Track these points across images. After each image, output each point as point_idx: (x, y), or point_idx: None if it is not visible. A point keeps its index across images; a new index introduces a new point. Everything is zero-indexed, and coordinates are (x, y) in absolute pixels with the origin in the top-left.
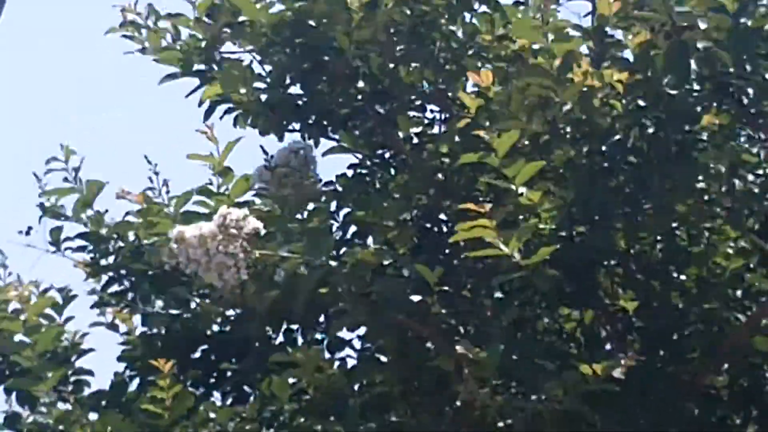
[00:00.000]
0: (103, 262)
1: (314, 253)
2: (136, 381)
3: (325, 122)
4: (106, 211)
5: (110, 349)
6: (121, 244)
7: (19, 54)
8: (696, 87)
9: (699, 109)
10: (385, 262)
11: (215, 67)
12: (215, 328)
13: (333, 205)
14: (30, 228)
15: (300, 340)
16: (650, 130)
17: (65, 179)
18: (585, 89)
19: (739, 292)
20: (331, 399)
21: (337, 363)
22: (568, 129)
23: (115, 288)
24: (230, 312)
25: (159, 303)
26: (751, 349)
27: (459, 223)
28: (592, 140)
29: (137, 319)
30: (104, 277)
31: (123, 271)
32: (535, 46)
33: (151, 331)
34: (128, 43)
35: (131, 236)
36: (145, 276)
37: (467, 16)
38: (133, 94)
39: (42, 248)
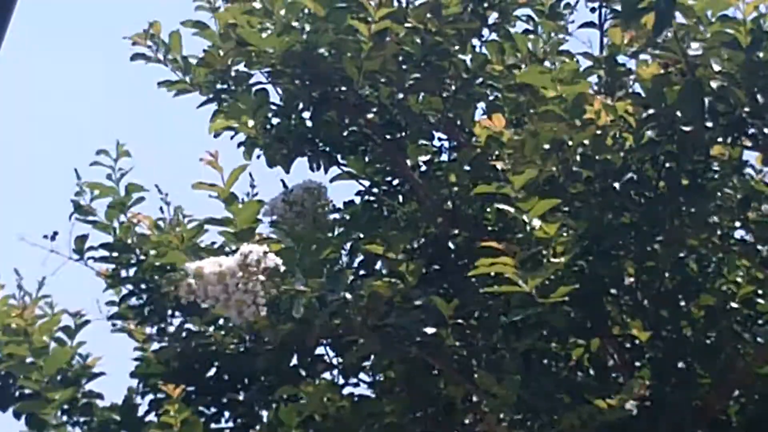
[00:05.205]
0: (123, 273)
1: (332, 287)
2: (149, 397)
3: (334, 152)
4: (138, 222)
5: (121, 371)
6: (142, 257)
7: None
8: (709, 124)
9: (711, 143)
10: (397, 296)
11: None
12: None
13: (340, 232)
14: (56, 233)
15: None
16: (662, 163)
17: (108, 176)
18: (599, 132)
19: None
20: (339, 429)
21: (346, 392)
22: (582, 169)
23: (133, 301)
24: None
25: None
26: (760, 377)
27: (475, 253)
28: (604, 178)
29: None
30: (123, 290)
31: (143, 285)
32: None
33: (166, 345)
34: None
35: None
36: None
37: (477, 45)
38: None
39: (65, 255)
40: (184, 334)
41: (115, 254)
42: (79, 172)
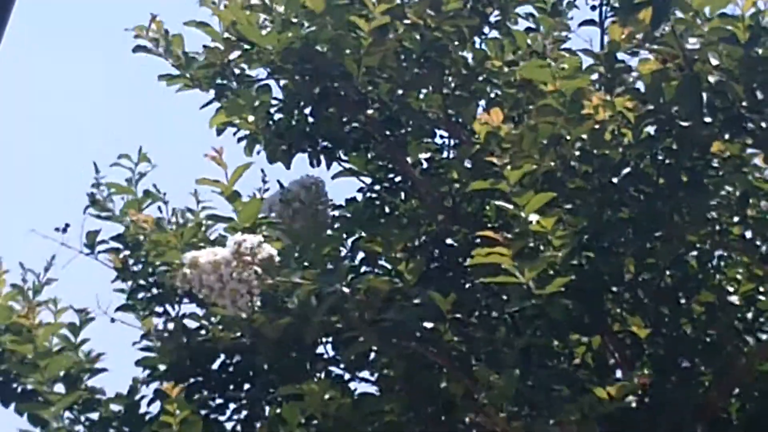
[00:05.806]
0: (134, 268)
1: (329, 280)
2: (154, 385)
3: (335, 148)
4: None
5: (124, 365)
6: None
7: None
8: (708, 120)
9: (710, 138)
10: (396, 289)
11: (233, 84)
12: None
13: (342, 230)
14: (67, 225)
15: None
16: (661, 159)
17: (128, 180)
18: (597, 126)
19: (749, 315)
20: (341, 427)
21: (347, 388)
22: (580, 164)
23: (141, 295)
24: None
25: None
26: (761, 375)
27: (475, 249)
28: (603, 173)
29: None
30: (132, 283)
31: (151, 280)
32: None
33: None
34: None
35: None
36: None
37: (477, 41)
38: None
39: (76, 248)
40: (188, 324)
41: (126, 252)
42: (98, 165)
